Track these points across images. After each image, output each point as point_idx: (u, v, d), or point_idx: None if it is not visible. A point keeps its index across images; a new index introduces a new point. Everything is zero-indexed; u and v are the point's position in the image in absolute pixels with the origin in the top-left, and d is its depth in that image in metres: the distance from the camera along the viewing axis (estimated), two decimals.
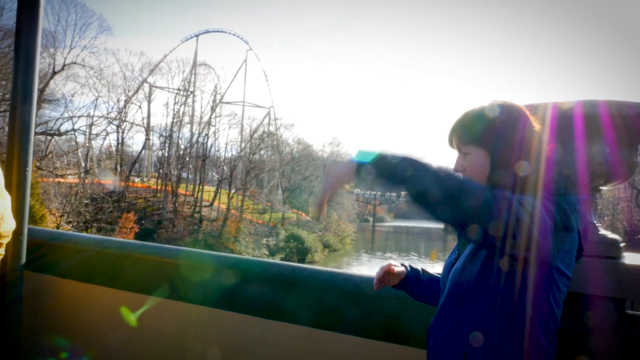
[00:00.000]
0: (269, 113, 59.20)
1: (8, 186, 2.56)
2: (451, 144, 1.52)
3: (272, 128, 59.20)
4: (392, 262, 1.72)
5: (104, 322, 2.96)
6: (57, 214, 30.51)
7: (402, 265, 1.74)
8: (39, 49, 2.77)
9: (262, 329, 2.51)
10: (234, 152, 55.89)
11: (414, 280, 1.72)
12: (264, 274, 2.64)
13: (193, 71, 54.09)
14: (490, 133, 1.41)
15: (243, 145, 56.04)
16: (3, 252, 2.45)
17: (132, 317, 2.82)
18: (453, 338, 1.40)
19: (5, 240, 2.40)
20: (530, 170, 1.35)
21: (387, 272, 1.70)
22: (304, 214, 55.22)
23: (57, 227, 28.38)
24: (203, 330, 2.67)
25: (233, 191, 51.52)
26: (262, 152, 57.68)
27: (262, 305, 2.54)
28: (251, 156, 54.21)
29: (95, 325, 2.98)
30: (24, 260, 2.79)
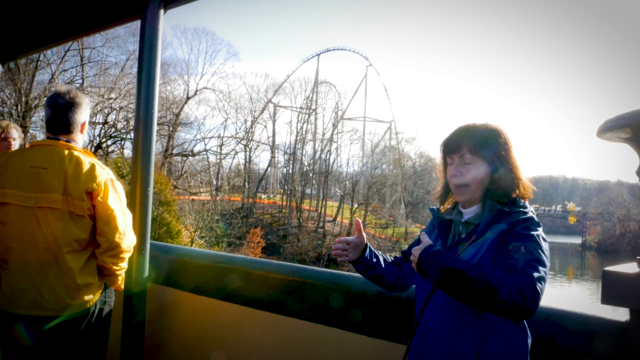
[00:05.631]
0: (390, 127, 58.72)
1: (132, 204, 2.79)
2: (455, 149, 1.72)
3: (393, 142, 58.49)
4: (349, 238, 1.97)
5: (217, 333, 3.03)
6: (191, 230, 32.19)
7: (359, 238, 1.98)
8: (158, 79, 2.97)
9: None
10: (356, 168, 55.93)
11: (368, 257, 1.97)
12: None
13: (315, 89, 55.33)
14: (498, 152, 1.68)
15: (365, 160, 55.89)
16: (126, 266, 2.65)
17: (240, 331, 2.91)
18: (461, 332, 1.59)
19: (127, 255, 2.59)
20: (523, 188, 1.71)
21: (347, 243, 1.96)
22: None
23: (192, 242, 29.91)
24: (308, 347, 2.62)
25: (355, 206, 51.40)
26: (384, 166, 57.11)
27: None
28: (373, 171, 53.81)
29: (209, 336, 3.05)
30: (146, 273, 2.92)
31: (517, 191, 1.70)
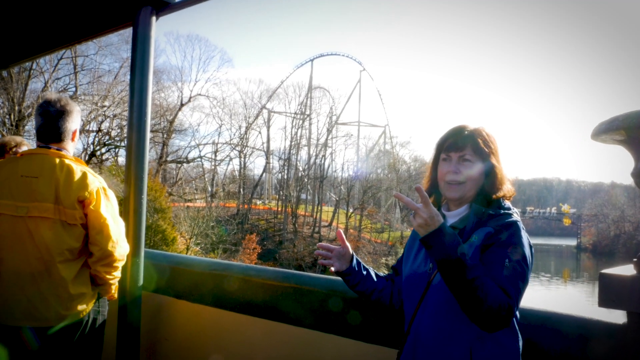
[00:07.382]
0: (384, 132, 58.82)
1: (126, 212, 2.81)
2: (459, 147, 1.73)
3: (387, 146, 58.59)
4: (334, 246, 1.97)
5: (213, 340, 3.00)
6: (186, 237, 32.07)
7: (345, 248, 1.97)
8: (150, 86, 2.95)
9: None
10: (351, 172, 55.95)
11: (356, 268, 1.96)
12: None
13: (309, 95, 55.38)
14: (492, 154, 1.73)
15: (359, 165, 55.91)
16: (120, 275, 2.63)
17: (237, 339, 2.88)
18: (454, 339, 1.60)
19: (121, 264, 2.57)
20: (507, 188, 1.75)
21: (329, 250, 1.96)
22: None
23: (187, 249, 29.79)
24: (304, 353, 2.60)
25: (351, 211, 51.41)
26: (378, 171, 57.16)
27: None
28: (368, 175, 53.85)
29: (205, 343, 3.01)
30: (141, 281, 2.90)
31: (502, 192, 1.73)
